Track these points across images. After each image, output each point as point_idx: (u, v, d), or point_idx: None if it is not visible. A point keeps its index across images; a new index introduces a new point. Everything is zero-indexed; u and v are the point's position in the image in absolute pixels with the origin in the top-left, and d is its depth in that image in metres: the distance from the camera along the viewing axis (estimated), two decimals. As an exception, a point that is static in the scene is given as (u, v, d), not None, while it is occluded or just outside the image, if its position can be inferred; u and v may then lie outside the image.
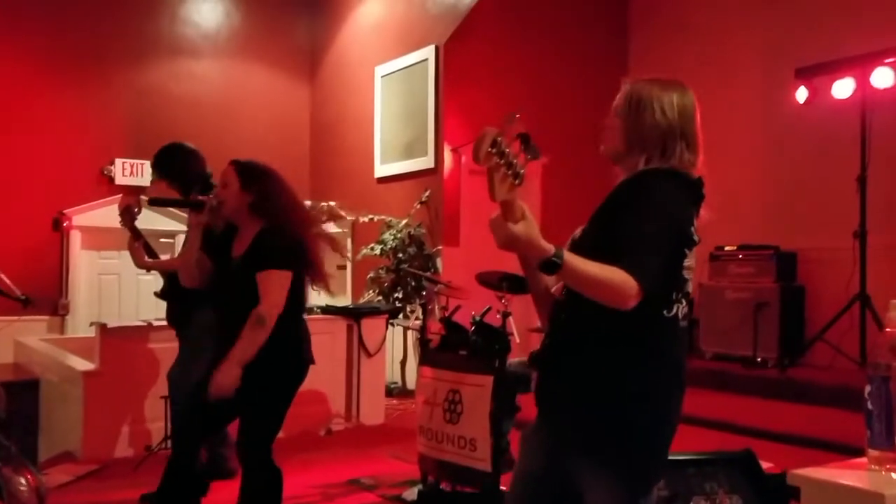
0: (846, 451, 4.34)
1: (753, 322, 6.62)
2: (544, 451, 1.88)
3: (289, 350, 2.99)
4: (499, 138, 1.48)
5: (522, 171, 1.52)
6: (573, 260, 1.57)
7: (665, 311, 1.75)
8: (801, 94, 6.72)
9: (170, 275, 4.15)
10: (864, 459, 1.40)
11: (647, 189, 1.74)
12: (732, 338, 6.93)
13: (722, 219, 7.08)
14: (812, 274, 6.95)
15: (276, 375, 2.97)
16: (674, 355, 1.81)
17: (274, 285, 2.91)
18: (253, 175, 3.06)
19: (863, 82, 6.31)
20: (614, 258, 1.62)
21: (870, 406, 1.35)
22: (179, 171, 4.19)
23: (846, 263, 6.30)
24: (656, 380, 1.78)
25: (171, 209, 6.01)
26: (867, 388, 1.35)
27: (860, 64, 6.31)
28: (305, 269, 3.05)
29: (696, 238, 1.79)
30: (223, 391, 2.83)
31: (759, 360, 6.59)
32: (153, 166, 4.36)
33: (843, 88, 6.46)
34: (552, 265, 1.56)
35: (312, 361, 3.11)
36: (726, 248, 7.22)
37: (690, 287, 1.82)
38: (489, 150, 1.47)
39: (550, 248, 1.56)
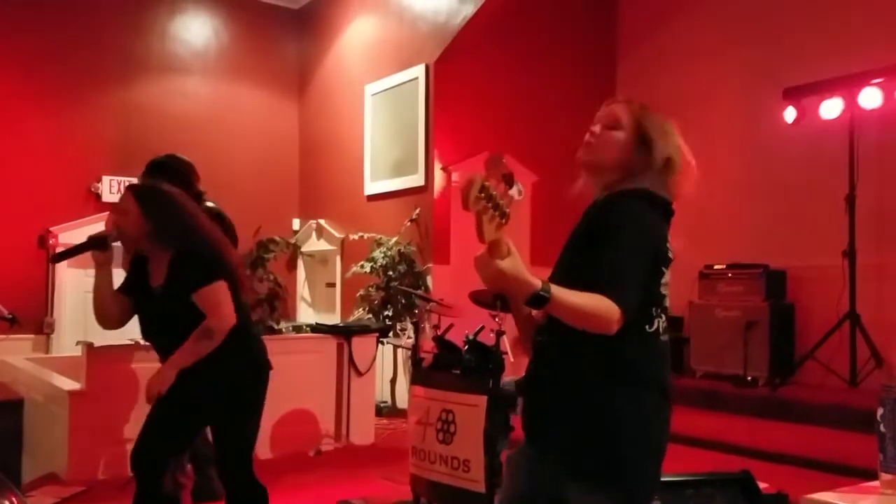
0: (840, 470, 4.35)
1: (743, 340, 6.63)
2: (531, 474, 1.87)
3: (239, 359, 2.93)
4: (486, 183, 1.52)
5: (508, 210, 1.57)
6: (560, 293, 1.60)
7: (647, 327, 1.78)
8: (790, 114, 6.78)
9: None
10: (875, 483, 1.38)
11: (624, 212, 1.78)
12: (723, 356, 6.93)
13: (711, 237, 7.14)
14: (801, 292, 6.98)
15: (235, 388, 2.92)
16: (657, 370, 1.82)
17: (215, 299, 2.84)
18: (153, 200, 2.94)
19: (851, 102, 6.37)
20: (594, 282, 1.66)
21: (882, 429, 1.32)
22: (169, 179, 4.12)
23: (835, 282, 6.34)
24: (642, 398, 1.78)
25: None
26: (879, 411, 1.33)
27: (848, 84, 6.37)
28: (230, 278, 2.95)
29: (670, 255, 1.83)
30: (155, 392, 2.80)
31: (749, 378, 6.60)
32: (143, 175, 4.24)
33: (831, 108, 6.52)
34: (540, 299, 1.58)
35: (270, 367, 3.06)
36: (716, 267, 7.24)
37: (668, 301, 1.85)
38: (478, 195, 1.51)
39: (537, 282, 1.58)
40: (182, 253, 2.88)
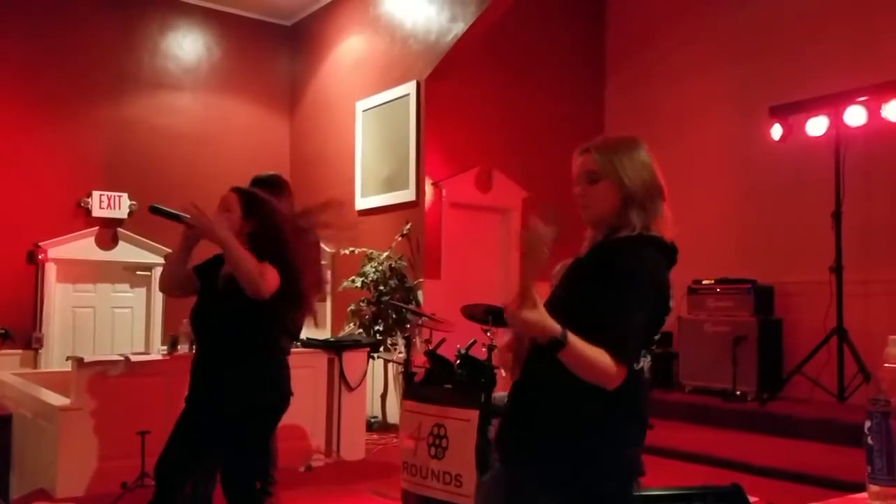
0: (828, 484, 4.38)
1: (732, 355, 6.68)
2: (506, 499, 1.88)
3: (271, 387, 2.97)
4: (548, 239, 1.66)
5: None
6: (576, 343, 1.67)
7: (634, 365, 1.80)
8: (776, 131, 6.86)
9: None
10: (863, 495, 1.41)
11: (634, 261, 1.78)
12: (711, 371, 6.98)
13: (700, 253, 7.19)
14: (789, 307, 7.05)
15: (264, 409, 2.95)
16: (641, 405, 1.86)
17: (269, 273, 2.86)
18: (255, 205, 3.04)
19: (836, 120, 6.46)
20: (595, 327, 1.70)
21: (870, 441, 1.35)
22: (272, 195, 4.18)
23: (823, 297, 6.40)
24: (626, 430, 1.83)
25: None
26: (867, 424, 1.36)
27: (833, 102, 6.46)
28: (295, 302, 3.01)
29: (671, 304, 1.86)
30: (199, 227, 2.85)
31: (738, 393, 6.64)
32: (256, 185, 4.23)
33: (816, 126, 6.61)
34: (557, 345, 1.66)
35: (291, 394, 3.10)
36: (704, 282, 7.30)
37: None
38: (542, 248, 1.66)
39: (557, 328, 1.66)
40: (261, 258, 2.92)
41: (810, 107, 6.64)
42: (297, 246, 3.04)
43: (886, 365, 1.36)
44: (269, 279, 2.84)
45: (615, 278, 1.76)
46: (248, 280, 2.80)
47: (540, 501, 1.80)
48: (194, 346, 3.14)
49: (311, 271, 3.11)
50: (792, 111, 6.76)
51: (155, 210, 3.13)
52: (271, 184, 4.22)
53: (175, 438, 2.97)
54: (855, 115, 6.36)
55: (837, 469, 4.58)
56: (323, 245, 4.36)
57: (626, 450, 1.83)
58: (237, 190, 3.10)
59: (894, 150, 6.45)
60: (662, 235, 1.86)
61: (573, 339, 1.66)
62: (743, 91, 7.56)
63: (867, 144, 6.50)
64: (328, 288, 4.04)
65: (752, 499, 3.07)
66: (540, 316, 1.65)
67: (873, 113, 6.29)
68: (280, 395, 3.04)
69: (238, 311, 2.87)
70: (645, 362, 1.83)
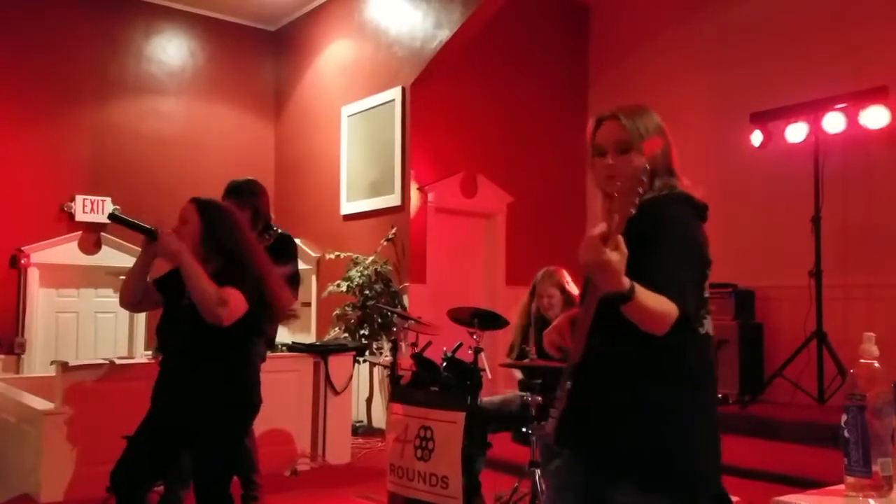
0: (809, 484, 4.42)
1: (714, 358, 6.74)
2: (585, 488, 1.86)
3: (238, 394, 2.97)
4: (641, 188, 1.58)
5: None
6: (642, 294, 1.59)
7: (700, 329, 1.81)
8: (756, 137, 6.96)
9: None
10: (841, 487, 1.46)
11: (677, 218, 1.80)
12: (694, 375, 7.03)
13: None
14: (770, 311, 7.13)
15: (225, 421, 2.94)
16: (712, 371, 1.87)
17: (234, 297, 2.83)
18: (213, 214, 3.00)
19: (815, 127, 6.56)
20: (649, 285, 1.63)
21: (846, 434, 1.40)
22: (251, 202, 4.19)
23: (802, 301, 6.48)
24: (704, 399, 1.83)
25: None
26: (843, 418, 1.40)
27: (812, 109, 6.57)
28: (264, 309, 2.99)
29: (710, 257, 1.86)
30: (161, 242, 2.85)
31: (720, 396, 6.70)
32: (229, 192, 4.21)
33: (796, 132, 6.71)
34: (623, 299, 1.57)
35: (261, 402, 3.08)
36: (687, 286, 7.36)
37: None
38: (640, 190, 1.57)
39: (627, 282, 1.57)
40: (226, 268, 2.90)
41: (790, 113, 6.74)
42: (257, 252, 3.01)
43: (862, 361, 1.41)
44: (232, 306, 2.81)
45: (659, 236, 1.74)
46: (204, 303, 2.77)
47: (622, 490, 1.77)
48: (161, 354, 3.09)
49: (273, 277, 3.04)
50: (772, 118, 6.86)
51: (115, 218, 3.09)
52: (244, 190, 4.24)
53: (134, 445, 2.93)
54: (834, 122, 6.46)
55: (818, 470, 4.63)
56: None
57: (709, 423, 1.81)
58: (195, 200, 3.05)
59: (872, 157, 6.56)
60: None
61: (640, 291, 1.58)
62: (723, 98, 7.65)
63: (845, 150, 6.60)
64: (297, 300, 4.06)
65: (734, 499, 3.12)
66: (622, 263, 1.53)
67: (851, 120, 6.39)
68: (248, 397, 3.01)
69: (205, 324, 2.84)
70: (707, 323, 1.83)
